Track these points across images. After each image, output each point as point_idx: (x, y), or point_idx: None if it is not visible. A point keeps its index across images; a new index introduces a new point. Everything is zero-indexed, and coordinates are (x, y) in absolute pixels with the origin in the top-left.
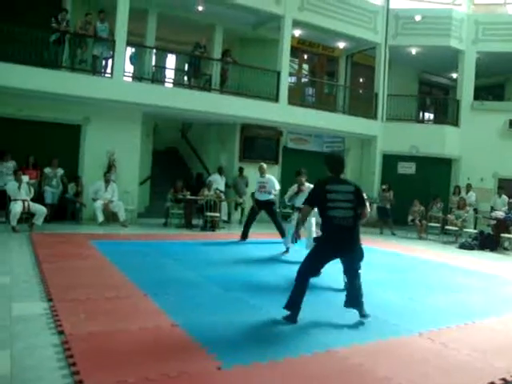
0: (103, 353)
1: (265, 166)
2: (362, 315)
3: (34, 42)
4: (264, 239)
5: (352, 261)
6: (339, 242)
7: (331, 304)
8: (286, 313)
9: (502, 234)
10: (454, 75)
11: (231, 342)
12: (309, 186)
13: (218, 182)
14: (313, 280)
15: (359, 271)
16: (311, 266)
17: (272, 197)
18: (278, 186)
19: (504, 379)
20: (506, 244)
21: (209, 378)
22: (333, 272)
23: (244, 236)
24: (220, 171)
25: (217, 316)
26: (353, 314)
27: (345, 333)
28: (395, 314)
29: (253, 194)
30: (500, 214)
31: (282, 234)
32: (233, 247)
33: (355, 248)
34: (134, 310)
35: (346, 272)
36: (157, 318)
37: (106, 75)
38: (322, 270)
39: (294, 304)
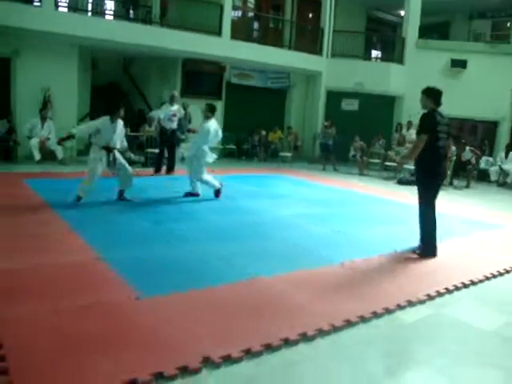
0: (20, 286)
1: (177, 94)
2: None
3: None
4: None
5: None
6: (442, 169)
7: (259, 235)
8: None
9: None
10: (402, 12)
11: (154, 274)
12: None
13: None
14: (244, 214)
15: None
16: (430, 201)
17: (176, 126)
18: (182, 113)
19: (409, 301)
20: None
21: (125, 307)
22: (263, 205)
23: (158, 169)
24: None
25: (143, 249)
26: (278, 244)
27: (269, 263)
28: (322, 246)
29: (155, 123)
30: None
31: (172, 167)
32: (172, 182)
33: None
34: (59, 245)
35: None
36: (81, 252)
37: (35, 3)
38: None
39: (430, 242)
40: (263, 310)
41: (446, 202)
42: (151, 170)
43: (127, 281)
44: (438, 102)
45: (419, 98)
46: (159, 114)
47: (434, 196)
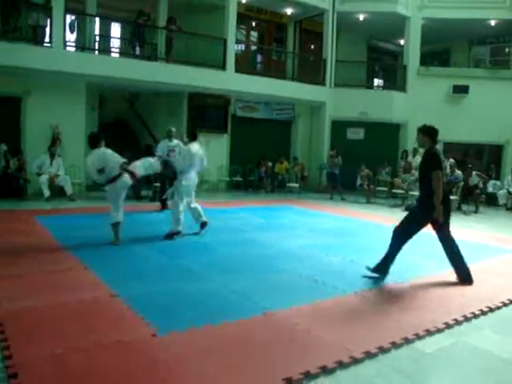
0: (36, 326)
1: (174, 129)
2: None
3: None
4: (211, 207)
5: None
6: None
7: (270, 267)
8: None
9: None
10: (402, 41)
11: (169, 309)
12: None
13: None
14: (255, 247)
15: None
16: (409, 233)
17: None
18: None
19: (427, 330)
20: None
21: (143, 344)
22: (272, 237)
23: (165, 205)
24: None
25: (157, 285)
26: (290, 277)
27: (283, 296)
28: (335, 276)
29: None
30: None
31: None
32: None
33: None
34: (72, 282)
35: (442, 239)
36: (96, 289)
37: (45, 45)
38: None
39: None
40: (280, 344)
41: (456, 227)
42: (158, 204)
43: (143, 317)
44: (434, 139)
45: (416, 133)
46: (157, 150)
47: (418, 230)
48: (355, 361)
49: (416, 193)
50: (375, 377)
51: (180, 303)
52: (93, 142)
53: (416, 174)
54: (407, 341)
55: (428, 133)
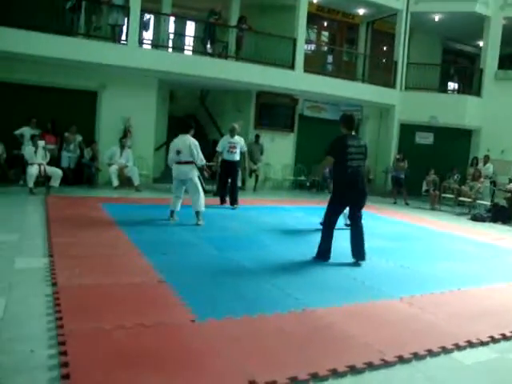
0: (88, 303)
1: (237, 126)
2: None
3: (50, 9)
4: (270, 205)
5: (359, 205)
6: (353, 189)
7: (319, 267)
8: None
9: None
10: (481, 43)
11: (212, 298)
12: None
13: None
14: (306, 246)
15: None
16: (333, 217)
17: (238, 158)
18: (245, 148)
19: (469, 341)
20: None
21: (181, 328)
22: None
23: (223, 200)
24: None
25: (204, 274)
26: (338, 277)
27: (326, 295)
28: (382, 280)
29: (216, 155)
30: None
31: (235, 200)
32: (240, 212)
33: (364, 193)
34: (126, 266)
35: (352, 218)
36: (146, 274)
37: (122, 42)
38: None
39: (323, 253)
40: (313, 340)
41: None
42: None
43: (185, 303)
44: (349, 127)
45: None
46: (218, 146)
47: (340, 211)
48: (386, 364)
49: (485, 202)
50: (404, 382)
51: (222, 293)
52: (185, 128)
53: (486, 182)
54: (445, 350)
55: (342, 120)
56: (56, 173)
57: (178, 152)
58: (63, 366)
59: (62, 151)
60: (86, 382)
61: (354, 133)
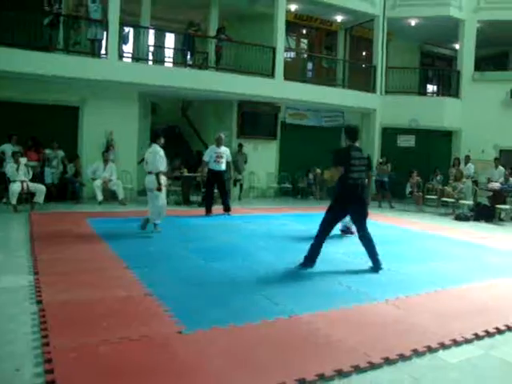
0: (74, 319)
1: (223, 136)
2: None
3: (28, 26)
4: (255, 213)
5: (361, 216)
6: (352, 199)
7: (305, 273)
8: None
9: (498, 205)
10: (457, 46)
11: (199, 309)
12: None
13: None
14: (291, 253)
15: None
16: (329, 225)
17: (225, 167)
18: (230, 157)
19: (454, 340)
20: (503, 215)
21: (168, 340)
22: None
23: (209, 210)
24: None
25: (191, 286)
26: (323, 282)
27: (312, 301)
28: (368, 284)
29: (203, 165)
30: (496, 185)
31: (228, 206)
32: (226, 222)
33: (364, 204)
34: (112, 280)
35: (358, 230)
36: (132, 287)
37: (102, 56)
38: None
39: (311, 258)
40: (300, 346)
41: (507, 237)
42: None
43: (172, 315)
44: (352, 138)
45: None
46: (205, 156)
47: (336, 219)
48: (372, 366)
49: (467, 202)
50: (391, 383)
51: (210, 304)
52: (153, 137)
53: (468, 182)
54: (430, 350)
55: (345, 132)
56: (39, 189)
57: (146, 162)
58: (50, 383)
59: (44, 167)
60: None
61: (357, 144)
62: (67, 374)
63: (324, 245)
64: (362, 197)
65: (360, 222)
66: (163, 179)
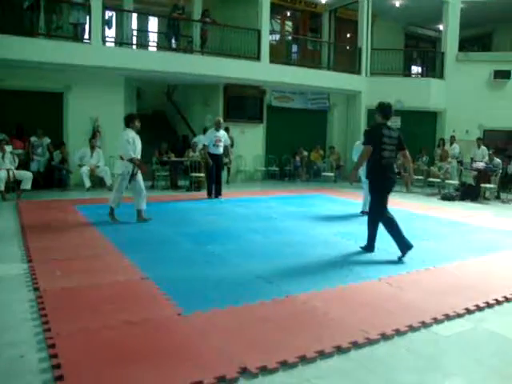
0: (73, 305)
1: (222, 120)
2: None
3: (7, 9)
4: (244, 197)
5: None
6: (387, 178)
7: (297, 254)
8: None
9: (483, 185)
10: (441, 27)
11: (195, 291)
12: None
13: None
14: (283, 234)
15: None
16: (378, 207)
17: (222, 151)
18: (228, 141)
19: (446, 314)
20: (487, 194)
21: (168, 322)
22: (303, 225)
23: (210, 193)
24: (205, 132)
25: (186, 269)
26: (316, 263)
27: (307, 281)
28: (360, 263)
29: (202, 149)
30: (481, 164)
31: (220, 191)
32: (215, 205)
33: (394, 183)
34: (108, 266)
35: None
36: (129, 272)
37: (85, 41)
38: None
39: (370, 245)
40: (298, 325)
41: (492, 216)
42: (195, 193)
43: (170, 298)
44: (385, 116)
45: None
46: (204, 140)
47: (384, 201)
48: (370, 342)
49: (453, 182)
50: (389, 357)
51: (206, 286)
52: (126, 122)
53: (453, 162)
54: (424, 324)
55: (379, 110)
56: (25, 175)
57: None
58: (55, 367)
59: (30, 155)
60: (80, 381)
61: (389, 123)
62: (72, 357)
63: (310, 225)
64: (394, 175)
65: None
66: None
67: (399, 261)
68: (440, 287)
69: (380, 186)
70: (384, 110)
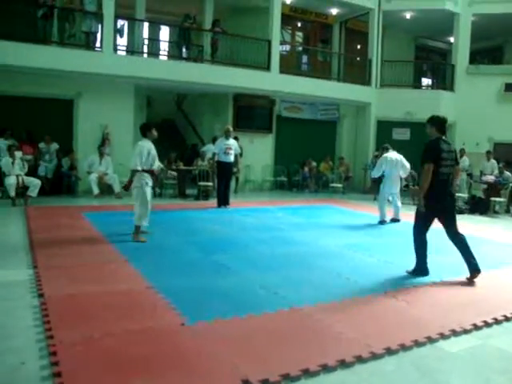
0: (76, 312)
1: (231, 128)
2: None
3: (22, 17)
4: (252, 206)
5: (452, 213)
6: (441, 200)
7: (303, 265)
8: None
9: (492, 198)
10: (452, 39)
11: (199, 301)
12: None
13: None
14: (289, 245)
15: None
16: (420, 229)
17: (233, 159)
18: (238, 149)
19: (453, 330)
20: (497, 208)
21: (171, 332)
22: (310, 236)
23: (220, 202)
24: (214, 141)
25: (191, 278)
26: (322, 274)
27: (312, 293)
28: (367, 276)
29: (211, 158)
30: (491, 177)
31: (228, 200)
32: (222, 215)
33: (453, 203)
34: (113, 274)
35: (451, 236)
36: (133, 281)
37: (97, 49)
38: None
39: (422, 268)
40: (302, 337)
41: (501, 229)
42: (203, 202)
43: (174, 308)
44: (440, 130)
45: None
46: (215, 148)
47: (429, 220)
48: (374, 356)
49: (463, 195)
50: (393, 372)
51: (210, 296)
52: (143, 131)
53: (463, 175)
54: (430, 340)
55: (434, 123)
56: (34, 182)
57: None
58: (56, 375)
59: (38, 161)
60: None
61: (444, 137)
62: (73, 366)
63: (318, 236)
64: (452, 196)
65: (453, 222)
66: (147, 177)
67: (407, 273)
68: (447, 302)
69: (432, 207)
70: (439, 123)
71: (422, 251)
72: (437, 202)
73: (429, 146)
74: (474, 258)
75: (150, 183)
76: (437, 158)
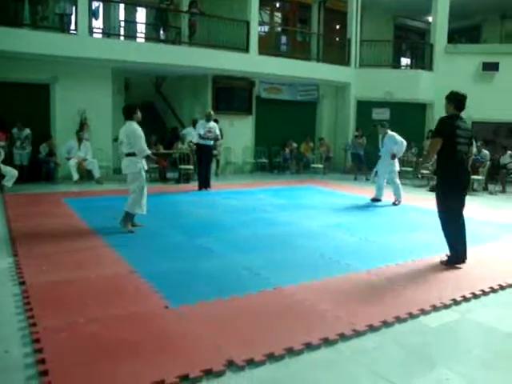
0: (59, 299)
1: (212, 112)
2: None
3: None
4: (233, 189)
5: (465, 195)
6: (462, 178)
7: (286, 246)
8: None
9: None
10: (430, 18)
11: (183, 284)
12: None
13: (192, 134)
14: (272, 226)
15: None
16: (448, 214)
17: (213, 143)
18: (218, 132)
19: (433, 306)
20: (475, 185)
21: (155, 316)
22: (292, 217)
23: (202, 185)
24: (194, 124)
25: (174, 262)
26: (305, 255)
27: (295, 273)
28: (349, 255)
29: (190, 141)
30: None
31: (209, 183)
32: (205, 198)
33: (469, 184)
34: (95, 260)
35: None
36: (116, 266)
37: (71, 32)
38: None
39: (458, 257)
40: (286, 317)
41: (480, 207)
42: (184, 185)
43: (157, 291)
44: (458, 107)
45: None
46: (199, 131)
47: (457, 202)
48: (357, 333)
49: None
50: (375, 349)
51: (193, 279)
52: (128, 114)
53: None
54: (411, 316)
55: (451, 99)
56: (11, 172)
57: (121, 142)
58: (40, 362)
59: (11, 147)
60: (65, 376)
61: (461, 114)
62: (57, 352)
63: (300, 217)
64: (469, 172)
65: (464, 202)
66: (143, 162)
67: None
68: (427, 278)
69: (455, 187)
70: (458, 99)
71: (454, 240)
72: (458, 178)
73: (441, 121)
74: (464, 244)
75: (146, 167)
76: (451, 134)
